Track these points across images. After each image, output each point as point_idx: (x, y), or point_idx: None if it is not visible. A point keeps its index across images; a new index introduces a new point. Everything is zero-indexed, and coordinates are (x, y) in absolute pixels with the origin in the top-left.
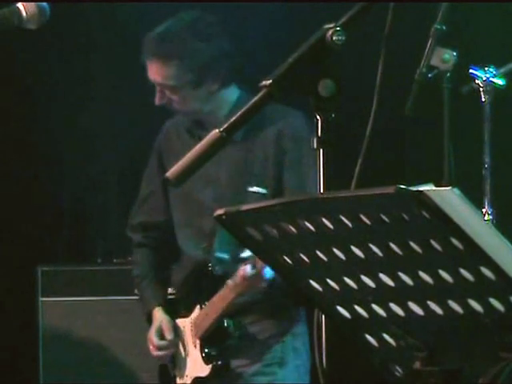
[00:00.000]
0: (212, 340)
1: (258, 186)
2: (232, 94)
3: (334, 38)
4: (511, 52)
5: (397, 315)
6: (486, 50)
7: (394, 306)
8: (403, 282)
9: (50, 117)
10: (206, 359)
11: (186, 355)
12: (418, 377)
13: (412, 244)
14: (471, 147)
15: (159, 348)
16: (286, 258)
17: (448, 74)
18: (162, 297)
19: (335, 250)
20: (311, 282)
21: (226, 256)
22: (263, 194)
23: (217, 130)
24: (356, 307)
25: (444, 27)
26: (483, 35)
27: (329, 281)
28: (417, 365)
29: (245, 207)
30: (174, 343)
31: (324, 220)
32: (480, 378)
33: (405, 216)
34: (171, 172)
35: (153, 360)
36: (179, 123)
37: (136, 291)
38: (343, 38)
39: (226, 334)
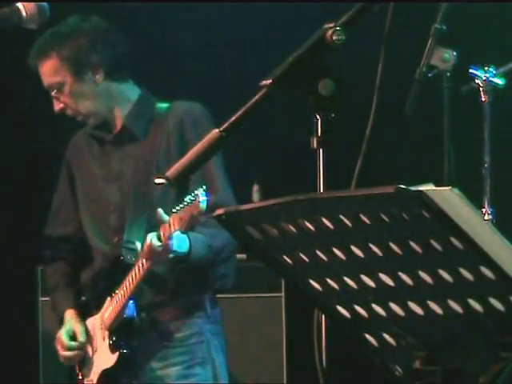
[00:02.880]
0: (119, 329)
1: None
2: (131, 92)
3: (334, 38)
4: (511, 52)
5: (397, 315)
6: (485, 50)
7: (393, 306)
8: (403, 282)
9: (50, 114)
10: (113, 347)
11: (94, 352)
12: (418, 376)
13: (412, 244)
14: (471, 147)
15: (69, 348)
16: (285, 257)
17: (448, 74)
18: (72, 301)
19: (335, 250)
20: (311, 281)
21: (136, 245)
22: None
23: (216, 130)
24: (356, 307)
25: (444, 27)
26: (483, 35)
27: (329, 280)
28: (417, 364)
29: (244, 207)
30: (85, 345)
31: (324, 219)
32: (480, 378)
33: (405, 216)
34: (170, 171)
35: None
36: (85, 131)
37: (50, 304)
38: (343, 38)
39: (131, 320)
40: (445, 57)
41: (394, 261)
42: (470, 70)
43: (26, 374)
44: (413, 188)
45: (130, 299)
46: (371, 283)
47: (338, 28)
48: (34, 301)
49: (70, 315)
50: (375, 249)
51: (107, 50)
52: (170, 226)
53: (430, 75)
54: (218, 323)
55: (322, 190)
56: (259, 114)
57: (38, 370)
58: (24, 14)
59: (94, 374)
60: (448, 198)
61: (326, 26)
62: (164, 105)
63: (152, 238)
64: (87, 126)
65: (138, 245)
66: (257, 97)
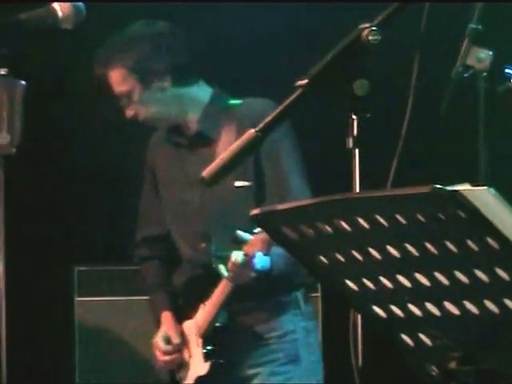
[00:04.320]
0: (212, 337)
1: (241, 179)
2: (202, 93)
3: (370, 38)
4: None
5: (432, 315)
6: None
7: (429, 306)
8: (439, 282)
9: (85, 110)
10: (206, 356)
11: (190, 357)
12: (453, 377)
13: (448, 244)
14: (507, 147)
15: (166, 353)
16: (321, 257)
17: (484, 74)
18: (169, 302)
19: (371, 250)
20: (347, 281)
21: (225, 253)
22: (249, 187)
23: (252, 130)
24: (392, 307)
25: (480, 26)
26: None
27: (365, 280)
28: (452, 365)
29: (280, 207)
30: (180, 348)
31: (360, 220)
32: None
33: (440, 215)
34: (206, 172)
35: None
36: (160, 134)
37: (148, 303)
38: (379, 38)
39: (224, 328)
40: (481, 57)
41: (430, 261)
42: (506, 70)
43: (62, 373)
44: (448, 188)
45: (223, 307)
46: (407, 283)
47: (373, 28)
48: (71, 301)
49: (166, 317)
50: (411, 249)
51: (173, 57)
52: (252, 245)
53: (465, 75)
54: (312, 320)
55: (357, 190)
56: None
57: (74, 370)
58: (60, 14)
59: (190, 379)
60: (484, 197)
61: (362, 26)
62: (236, 102)
63: (236, 256)
64: (161, 130)
65: (227, 253)
66: (292, 97)
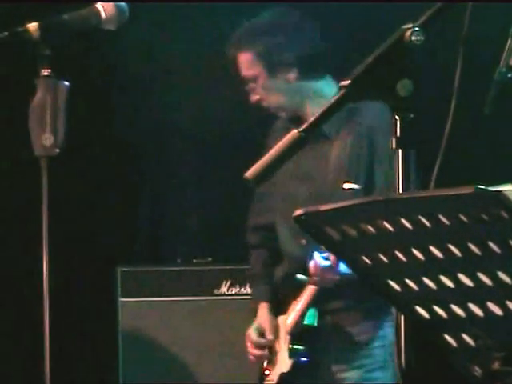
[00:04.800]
0: (299, 335)
1: (352, 182)
2: (327, 89)
3: (413, 38)
4: None
5: (475, 315)
6: None
7: (472, 306)
8: (482, 282)
9: (129, 114)
10: (290, 354)
11: (278, 352)
12: (497, 377)
13: (491, 244)
14: None
15: (257, 345)
16: (364, 258)
17: None
18: (268, 294)
19: (414, 251)
20: (390, 282)
21: (323, 252)
22: (358, 191)
23: (296, 130)
24: (435, 307)
25: None
26: None
27: (407, 281)
28: (496, 365)
29: (324, 207)
30: (272, 343)
31: (403, 220)
32: None
33: (483, 216)
34: (250, 172)
35: (232, 361)
36: (283, 122)
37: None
38: (422, 38)
39: (311, 328)
40: None
41: (473, 261)
42: None
43: (105, 374)
44: (492, 188)
45: (311, 307)
46: (450, 284)
47: (416, 28)
48: (114, 302)
49: (263, 309)
50: (454, 249)
51: (303, 50)
52: None
53: (509, 76)
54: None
55: (400, 191)
56: None
57: (118, 371)
58: (103, 15)
59: (275, 375)
60: None
61: (405, 26)
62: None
63: (318, 259)
64: (283, 118)
65: (324, 252)
66: (336, 97)
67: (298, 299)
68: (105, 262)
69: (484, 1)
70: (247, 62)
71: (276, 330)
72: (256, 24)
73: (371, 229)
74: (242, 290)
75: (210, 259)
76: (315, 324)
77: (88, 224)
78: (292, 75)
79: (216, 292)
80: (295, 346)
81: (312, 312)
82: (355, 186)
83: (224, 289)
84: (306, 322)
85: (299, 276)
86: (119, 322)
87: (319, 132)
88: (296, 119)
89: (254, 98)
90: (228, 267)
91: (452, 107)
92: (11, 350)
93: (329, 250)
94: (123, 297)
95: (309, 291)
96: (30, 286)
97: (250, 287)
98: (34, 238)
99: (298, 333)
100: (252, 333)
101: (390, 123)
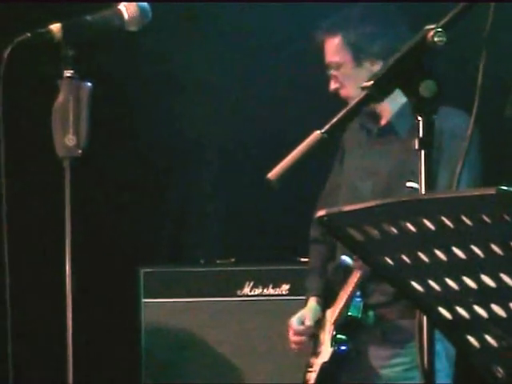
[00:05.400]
0: (343, 325)
1: (414, 181)
2: None
3: (436, 39)
4: None
5: (498, 316)
6: None
7: (495, 307)
8: (504, 283)
9: (152, 116)
10: (331, 342)
11: (321, 344)
12: None
13: None
14: None
15: (296, 332)
16: (386, 258)
17: None
18: (320, 288)
19: (436, 251)
20: (412, 282)
21: None
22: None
23: (318, 132)
24: (457, 308)
25: None
26: None
27: (430, 282)
28: None
29: (346, 208)
30: (311, 331)
31: (425, 221)
32: None
33: (506, 217)
34: (272, 173)
35: (254, 361)
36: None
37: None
38: (444, 39)
39: (355, 319)
40: None
41: (496, 262)
42: None
43: (128, 375)
44: None
45: (356, 298)
46: (473, 284)
47: (439, 29)
48: (137, 302)
49: (311, 302)
50: (476, 250)
51: (391, 43)
52: None
53: None
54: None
55: (423, 191)
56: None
57: (140, 372)
58: (126, 16)
59: (317, 365)
60: None
61: (428, 27)
62: None
63: None
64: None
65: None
66: (358, 98)
67: (344, 289)
68: (128, 262)
69: (507, 1)
70: (335, 48)
71: (320, 322)
72: (349, 12)
73: (394, 229)
74: (265, 291)
75: (233, 260)
76: (359, 316)
77: (111, 225)
78: (377, 67)
79: (239, 293)
80: (338, 336)
81: (357, 304)
82: (416, 186)
83: (247, 290)
84: (350, 313)
85: (344, 258)
86: (142, 323)
87: (389, 128)
88: (372, 115)
89: (333, 86)
90: (251, 268)
91: (475, 108)
92: (35, 350)
93: (351, 250)
94: (146, 298)
95: (353, 281)
96: (53, 286)
97: (305, 279)
98: (58, 238)
99: (342, 323)
100: (293, 320)
101: (462, 128)
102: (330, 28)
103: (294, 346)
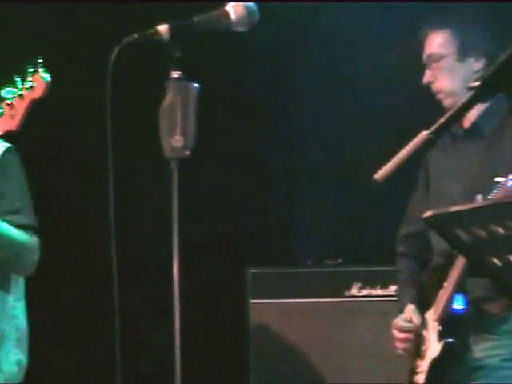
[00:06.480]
0: (447, 320)
1: (504, 176)
2: None
3: None
4: None
5: None
6: None
7: None
8: None
9: (258, 116)
10: (439, 337)
11: (427, 343)
12: None
13: None
14: None
15: (402, 329)
16: (494, 259)
17: None
18: (414, 296)
19: None
20: None
21: None
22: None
23: (425, 132)
24: None
25: None
26: None
27: None
28: None
29: (453, 209)
30: (417, 329)
31: None
32: None
33: None
34: (379, 173)
35: (362, 362)
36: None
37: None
38: None
39: (459, 314)
40: None
41: None
42: None
43: (235, 375)
44: None
45: (457, 293)
46: None
47: None
48: (245, 303)
49: (409, 308)
50: None
51: (495, 44)
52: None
53: None
54: None
55: None
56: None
57: (248, 372)
58: (233, 17)
59: (425, 364)
60: None
61: None
62: None
63: (507, 180)
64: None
65: None
66: (465, 99)
67: (444, 287)
68: (235, 263)
69: None
70: (441, 40)
71: (422, 324)
72: (459, 8)
73: (501, 230)
74: (373, 291)
75: (340, 261)
76: (462, 309)
77: (219, 225)
78: (478, 65)
79: (346, 294)
80: (440, 328)
81: (459, 298)
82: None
83: (354, 290)
84: (454, 307)
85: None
86: (249, 323)
87: (474, 129)
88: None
89: (427, 79)
90: (359, 269)
91: None
92: (143, 351)
93: (457, 250)
94: (253, 298)
95: (454, 272)
96: (161, 286)
97: (397, 291)
98: (165, 239)
99: (446, 318)
100: (398, 320)
101: None
102: (439, 23)
103: (399, 344)
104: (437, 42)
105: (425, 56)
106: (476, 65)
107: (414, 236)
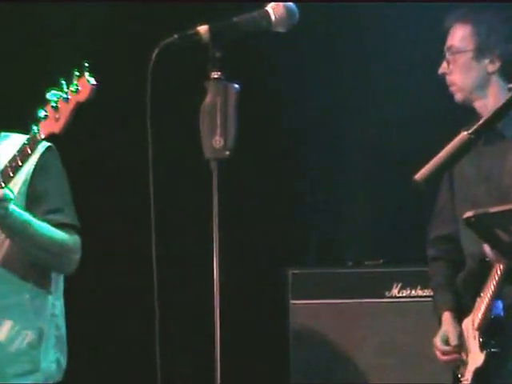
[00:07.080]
0: (488, 328)
1: None
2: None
3: None
4: None
5: None
6: None
7: None
8: None
9: (298, 117)
10: (481, 346)
11: (468, 352)
12: None
13: None
14: None
15: (444, 353)
16: None
17: None
18: (451, 302)
19: None
20: None
21: None
22: None
23: (465, 133)
24: None
25: None
26: None
27: None
28: None
29: (493, 209)
30: (459, 349)
31: None
32: None
33: None
34: (419, 174)
35: (402, 363)
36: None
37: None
38: None
39: (499, 320)
40: None
41: None
42: None
43: (276, 376)
44: None
45: (497, 299)
46: None
47: None
48: (285, 304)
49: (446, 318)
50: None
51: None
52: None
53: None
54: None
55: None
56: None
57: (289, 372)
58: (273, 17)
59: (469, 373)
60: None
61: None
62: None
63: None
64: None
65: None
66: (507, 99)
67: (482, 295)
68: (276, 264)
69: None
70: (463, 34)
71: (461, 335)
72: (488, 7)
73: None
74: (413, 292)
75: (381, 261)
76: (502, 315)
77: (259, 226)
78: (492, 67)
79: (387, 294)
80: (483, 338)
81: (498, 304)
82: None
83: (395, 291)
84: (493, 314)
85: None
86: (290, 324)
87: (497, 133)
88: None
89: (443, 70)
90: (399, 269)
91: None
92: (183, 350)
93: (496, 250)
94: (294, 299)
95: (493, 279)
96: (201, 288)
97: (433, 297)
98: (205, 240)
99: (486, 326)
100: (438, 341)
101: None
102: (464, 16)
103: (442, 359)
104: (458, 35)
105: (446, 47)
106: (490, 67)
107: (445, 239)
